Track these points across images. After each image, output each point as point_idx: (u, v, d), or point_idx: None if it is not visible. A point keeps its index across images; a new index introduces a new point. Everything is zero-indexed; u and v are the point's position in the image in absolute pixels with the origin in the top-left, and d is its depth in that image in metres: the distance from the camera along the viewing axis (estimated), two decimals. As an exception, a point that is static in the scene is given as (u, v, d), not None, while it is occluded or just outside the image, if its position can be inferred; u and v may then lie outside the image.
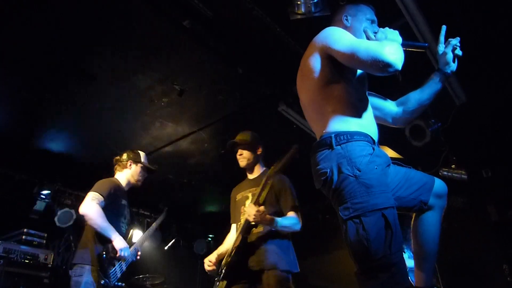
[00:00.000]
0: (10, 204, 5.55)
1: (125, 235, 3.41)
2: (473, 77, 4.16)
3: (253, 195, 3.10)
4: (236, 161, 3.34)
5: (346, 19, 2.24)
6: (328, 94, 1.99)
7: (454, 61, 2.21)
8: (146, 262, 7.09)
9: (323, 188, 1.93)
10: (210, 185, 6.58)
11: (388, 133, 2.62)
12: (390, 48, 1.81)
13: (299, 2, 2.95)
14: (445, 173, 4.96)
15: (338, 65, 1.98)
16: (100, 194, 3.24)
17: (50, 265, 4.97)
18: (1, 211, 5.28)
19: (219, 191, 6.65)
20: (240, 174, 3.53)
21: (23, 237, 4.94)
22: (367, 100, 2.14)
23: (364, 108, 2.06)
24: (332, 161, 1.85)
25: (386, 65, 1.78)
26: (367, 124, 2.01)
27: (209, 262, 3.12)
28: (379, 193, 1.74)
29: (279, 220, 2.85)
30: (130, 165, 3.69)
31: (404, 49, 1.96)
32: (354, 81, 2.07)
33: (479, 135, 5.21)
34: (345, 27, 2.18)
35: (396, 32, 2.02)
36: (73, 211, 5.96)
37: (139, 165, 3.71)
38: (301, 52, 2.15)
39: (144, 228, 6.92)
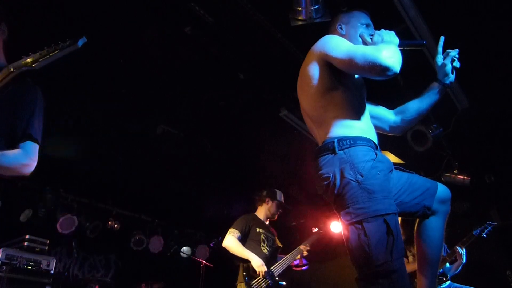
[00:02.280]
0: (12, 210, 5.56)
1: (267, 256, 4.07)
2: (475, 82, 4.15)
3: None
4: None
5: (341, 28, 2.26)
6: (328, 101, 2.00)
7: (452, 73, 2.23)
8: (148, 268, 7.08)
9: (325, 193, 1.92)
10: (212, 190, 6.57)
11: (390, 138, 2.62)
12: (387, 52, 1.81)
13: (300, 9, 2.95)
14: (448, 178, 4.95)
15: (337, 72, 1.99)
16: (235, 229, 4.10)
17: (52, 272, 4.95)
18: (3, 217, 5.29)
19: (222, 196, 6.65)
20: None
21: (26, 243, 4.93)
22: (366, 106, 2.16)
23: (364, 114, 2.08)
24: (335, 166, 1.85)
25: (384, 69, 1.78)
26: (368, 129, 2.02)
27: None
28: (381, 199, 1.74)
29: None
30: (268, 201, 4.43)
31: (402, 48, 1.97)
32: (353, 88, 2.08)
33: (481, 140, 5.20)
34: (341, 36, 2.19)
35: (393, 33, 2.03)
36: (75, 217, 5.96)
37: (275, 202, 4.44)
38: (302, 58, 2.16)
39: (146, 233, 6.92)
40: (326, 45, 2.02)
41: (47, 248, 5.16)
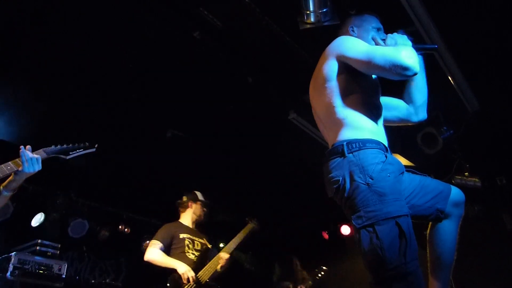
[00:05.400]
0: (24, 214, 5.61)
1: (196, 261, 3.91)
2: (486, 84, 4.12)
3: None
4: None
5: (353, 30, 2.26)
6: (342, 102, 1.99)
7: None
8: (158, 272, 7.09)
9: (335, 196, 1.92)
10: (222, 194, 6.57)
11: (400, 140, 2.61)
12: (407, 52, 1.83)
13: (308, 12, 2.96)
14: (459, 181, 4.90)
15: (352, 73, 1.99)
16: (156, 239, 3.94)
17: (64, 276, 4.99)
18: (15, 222, 5.34)
19: (230, 199, 6.65)
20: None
21: (37, 247, 4.98)
22: (381, 108, 2.15)
23: (377, 116, 2.06)
24: (344, 169, 1.84)
25: (405, 69, 1.80)
26: (378, 131, 2.01)
27: None
28: (392, 201, 1.72)
29: None
30: (191, 204, 4.29)
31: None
32: (368, 89, 2.07)
33: (492, 142, 5.14)
34: None
35: (405, 37, 2.03)
36: (86, 222, 6.00)
37: (198, 203, 4.32)
38: (311, 61, 2.17)
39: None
40: (342, 46, 2.02)
41: (58, 252, 5.21)
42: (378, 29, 2.24)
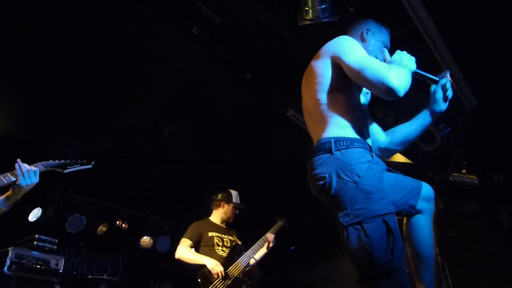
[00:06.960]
0: (21, 209, 5.60)
1: (226, 257, 3.95)
2: (484, 81, 4.12)
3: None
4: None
5: (366, 33, 2.25)
6: (330, 100, 2.00)
7: (445, 101, 2.18)
8: (155, 268, 7.11)
9: (320, 193, 1.92)
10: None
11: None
12: (398, 74, 1.80)
13: (307, 8, 2.96)
14: (456, 178, 4.92)
15: (344, 73, 1.99)
16: (186, 238, 4.01)
17: (61, 271, 5.00)
18: (12, 217, 5.33)
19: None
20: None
21: (35, 242, 4.99)
22: (367, 112, 2.18)
23: (363, 118, 2.10)
24: (331, 166, 1.85)
25: (389, 90, 1.77)
26: (364, 132, 2.04)
27: None
28: (379, 199, 1.75)
29: None
30: (223, 204, 4.29)
31: (415, 76, 1.96)
32: (357, 92, 2.10)
33: (490, 140, 5.16)
34: (362, 39, 2.22)
35: (413, 59, 2.01)
36: (83, 217, 6.00)
37: (231, 205, 4.30)
38: (309, 58, 2.17)
39: (154, 232, 6.95)
40: (340, 47, 2.01)
41: (55, 247, 5.21)
42: (386, 47, 2.24)
